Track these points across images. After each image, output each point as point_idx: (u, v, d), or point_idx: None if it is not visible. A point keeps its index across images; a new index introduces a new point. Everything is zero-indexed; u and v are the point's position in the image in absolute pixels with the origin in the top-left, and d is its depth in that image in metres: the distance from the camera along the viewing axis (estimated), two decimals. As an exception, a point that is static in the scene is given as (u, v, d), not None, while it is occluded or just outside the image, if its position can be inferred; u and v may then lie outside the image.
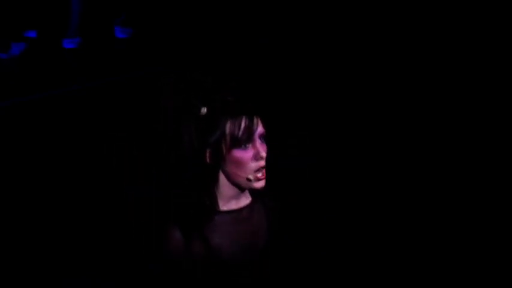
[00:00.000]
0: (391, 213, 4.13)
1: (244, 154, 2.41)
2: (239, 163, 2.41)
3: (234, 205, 2.48)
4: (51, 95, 5.10)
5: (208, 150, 2.40)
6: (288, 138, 4.51)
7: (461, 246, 3.93)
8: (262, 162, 2.42)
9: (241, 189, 2.46)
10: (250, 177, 2.41)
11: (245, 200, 2.50)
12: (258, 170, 2.42)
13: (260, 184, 2.43)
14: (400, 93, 4.65)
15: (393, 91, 4.67)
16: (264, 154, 2.41)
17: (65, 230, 4.09)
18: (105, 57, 5.70)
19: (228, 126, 2.39)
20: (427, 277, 3.80)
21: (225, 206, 2.46)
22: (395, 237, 4.00)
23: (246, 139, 2.40)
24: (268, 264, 2.47)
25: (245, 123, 2.40)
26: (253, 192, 2.49)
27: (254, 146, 2.42)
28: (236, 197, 2.47)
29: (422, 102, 4.56)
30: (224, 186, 2.45)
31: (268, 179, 2.44)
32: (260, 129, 2.44)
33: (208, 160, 2.41)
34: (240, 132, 2.39)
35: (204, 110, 2.41)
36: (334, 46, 4.87)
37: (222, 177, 2.44)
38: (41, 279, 3.86)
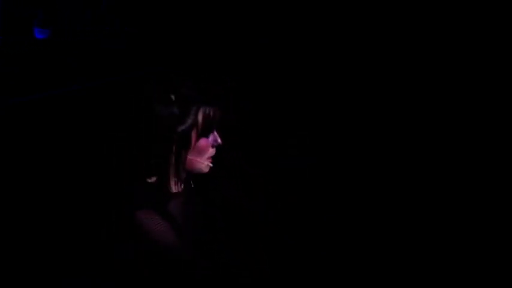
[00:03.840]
0: (391, 212, 4.13)
1: (207, 142, 2.50)
2: (202, 151, 2.50)
3: (180, 188, 2.56)
4: (51, 95, 5.10)
5: (176, 138, 2.45)
6: (288, 138, 4.51)
7: (461, 246, 3.93)
8: (215, 150, 2.52)
9: (192, 173, 2.54)
10: (205, 164, 2.51)
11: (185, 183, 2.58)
12: (211, 156, 2.52)
13: (209, 168, 2.53)
14: (400, 93, 4.65)
15: (393, 91, 4.66)
16: (220, 141, 2.52)
17: (65, 229, 4.09)
18: (105, 57, 5.69)
19: (200, 115, 2.46)
20: (427, 277, 3.79)
21: (174, 188, 2.54)
22: (395, 236, 4.00)
23: (212, 128, 2.50)
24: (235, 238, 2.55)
25: (216, 112, 2.49)
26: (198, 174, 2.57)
27: (214, 134, 2.52)
28: (183, 182, 2.55)
29: (422, 102, 4.56)
30: (182, 171, 2.52)
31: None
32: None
33: (174, 147, 2.46)
34: (212, 122, 2.48)
35: (173, 96, 2.46)
36: (334, 46, 4.86)
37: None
38: (41, 279, 3.86)
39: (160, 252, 2.40)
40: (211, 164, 2.51)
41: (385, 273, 3.81)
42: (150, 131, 2.46)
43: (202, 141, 2.49)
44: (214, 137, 2.51)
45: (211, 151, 2.51)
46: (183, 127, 2.45)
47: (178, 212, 2.51)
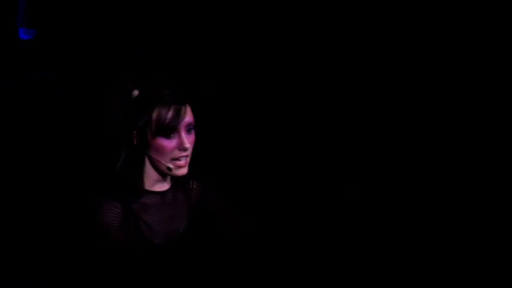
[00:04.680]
0: (390, 212, 4.11)
1: (167, 143, 2.45)
2: (161, 151, 2.45)
3: (158, 188, 2.52)
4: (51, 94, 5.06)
5: (135, 133, 2.44)
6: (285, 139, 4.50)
7: (462, 246, 3.91)
8: (185, 153, 2.46)
9: (163, 174, 2.50)
10: (170, 166, 2.46)
11: (168, 183, 2.54)
12: (178, 159, 2.46)
13: (181, 171, 2.48)
14: (398, 93, 4.62)
15: (392, 91, 4.64)
16: (187, 145, 2.46)
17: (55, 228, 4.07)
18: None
19: (155, 114, 2.43)
20: (427, 277, 3.78)
21: (151, 187, 2.51)
22: (394, 236, 3.99)
23: (171, 129, 2.44)
24: (190, 245, 2.52)
25: (172, 113, 2.44)
26: (175, 176, 2.52)
27: (179, 136, 2.45)
28: (161, 180, 2.51)
29: (420, 103, 4.54)
30: (149, 169, 2.49)
31: (192, 164, 2.49)
32: (188, 119, 2.47)
33: (134, 142, 2.45)
34: (166, 122, 2.43)
35: (135, 92, 2.44)
36: (334, 46, 4.84)
37: (147, 160, 2.49)
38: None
39: (103, 247, 2.40)
40: (171, 166, 2.46)
41: (385, 273, 3.79)
42: (111, 124, 2.46)
43: (160, 141, 2.45)
44: (180, 139, 2.46)
45: (175, 153, 2.46)
46: (140, 123, 2.43)
47: (147, 209, 2.49)
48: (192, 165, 2.53)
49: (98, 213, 2.41)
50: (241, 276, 3.51)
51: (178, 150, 2.46)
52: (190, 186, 2.59)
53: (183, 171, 2.48)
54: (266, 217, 2.66)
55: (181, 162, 2.47)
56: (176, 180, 2.55)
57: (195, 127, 2.50)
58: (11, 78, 5.00)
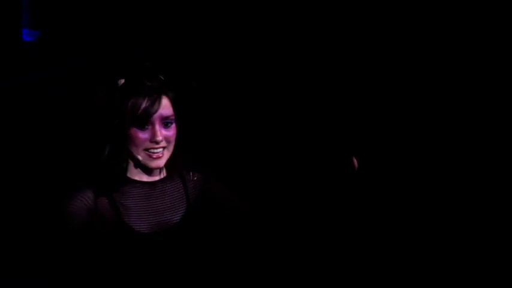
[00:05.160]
0: (390, 212, 4.11)
1: (140, 134, 2.47)
2: (134, 141, 2.47)
3: (145, 178, 2.53)
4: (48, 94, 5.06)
5: (115, 122, 2.47)
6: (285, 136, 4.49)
7: (462, 246, 3.90)
8: (157, 145, 2.47)
9: (141, 165, 2.51)
10: (140, 157, 2.47)
11: (159, 174, 2.55)
12: (149, 150, 2.47)
13: (154, 163, 2.48)
14: (397, 94, 4.62)
15: (391, 92, 4.64)
16: (158, 138, 2.47)
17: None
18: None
19: (131, 103, 2.45)
20: (427, 277, 3.77)
21: (136, 176, 2.52)
22: (393, 237, 3.98)
23: (144, 120, 2.45)
24: (184, 237, 2.51)
25: (146, 104, 2.46)
26: (171, 165, 2.54)
27: (153, 128, 2.46)
28: (148, 171, 2.53)
29: (418, 104, 4.53)
30: (132, 157, 2.52)
31: (192, 156, 2.52)
32: (163, 112, 2.48)
33: (115, 131, 2.48)
34: (139, 112, 2.45)
35: (121, 81, 2.49)
36: (334, 46, 4.83)
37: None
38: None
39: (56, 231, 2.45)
40: (141, 157, 2.47)
41: (385, 273, 3.78)
42: (96, 112, 2.50)
43: (133, 131, 2.46)
44: (153, 132, 2.46)
45: (147, 144, 2.47)
46: (119, 111, 2.46)
47: (130, 198, 2.50)
48: (192, 157, 2.52)
49: (62, 201, 2.45)
50: (237, 273, 3.51)
51: (150, 142, 2.47)
52: (191, 178, 2.59)
53: (157, 163, 2.49)
54: (271, 206, 2.64)
55: (156, 154, 2.48)
56: (172, 172, 2.55)
57: (177, 121, 2.50)
58: (11, 78, 4.99)
